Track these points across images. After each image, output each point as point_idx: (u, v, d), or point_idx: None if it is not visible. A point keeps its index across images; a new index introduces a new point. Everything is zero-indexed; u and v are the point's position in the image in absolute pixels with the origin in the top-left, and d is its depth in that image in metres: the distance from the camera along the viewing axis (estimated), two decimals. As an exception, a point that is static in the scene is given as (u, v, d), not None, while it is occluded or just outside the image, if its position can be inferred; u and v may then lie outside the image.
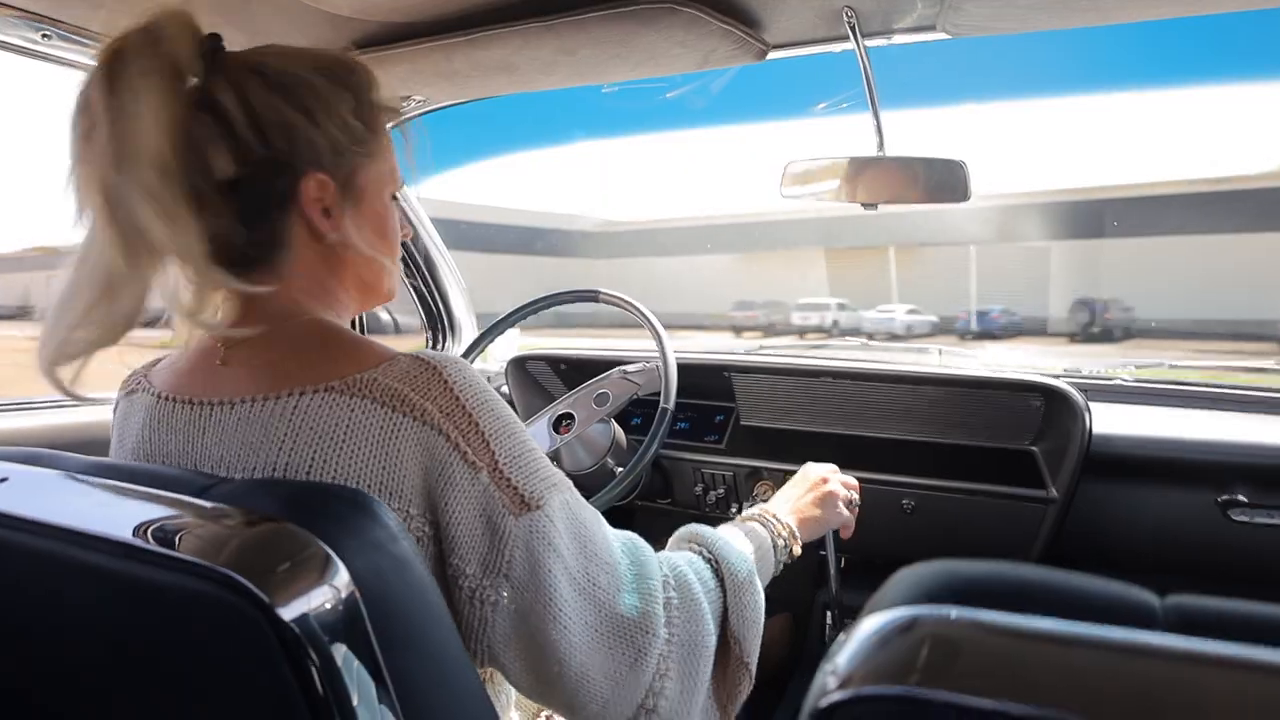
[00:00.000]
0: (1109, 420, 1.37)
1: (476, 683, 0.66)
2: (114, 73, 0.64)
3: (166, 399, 0.75)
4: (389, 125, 0.79)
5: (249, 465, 0.68)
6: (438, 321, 2.02)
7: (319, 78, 0.72)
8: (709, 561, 0.80)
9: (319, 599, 0.53)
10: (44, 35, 1.12)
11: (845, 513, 1.05)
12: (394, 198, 0.80)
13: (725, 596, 0.78)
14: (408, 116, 1.49)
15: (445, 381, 0.67)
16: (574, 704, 0.70)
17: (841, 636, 0.36)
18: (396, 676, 0.57)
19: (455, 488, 0.65)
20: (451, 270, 1.99)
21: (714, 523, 0.91)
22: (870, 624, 0.35)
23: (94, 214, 0.65)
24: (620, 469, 1.40)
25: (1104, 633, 0.32)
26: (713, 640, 0.75)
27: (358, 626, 0.55)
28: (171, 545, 0.56)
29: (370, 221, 0.77)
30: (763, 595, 0.81)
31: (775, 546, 0.91)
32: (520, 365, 1.83)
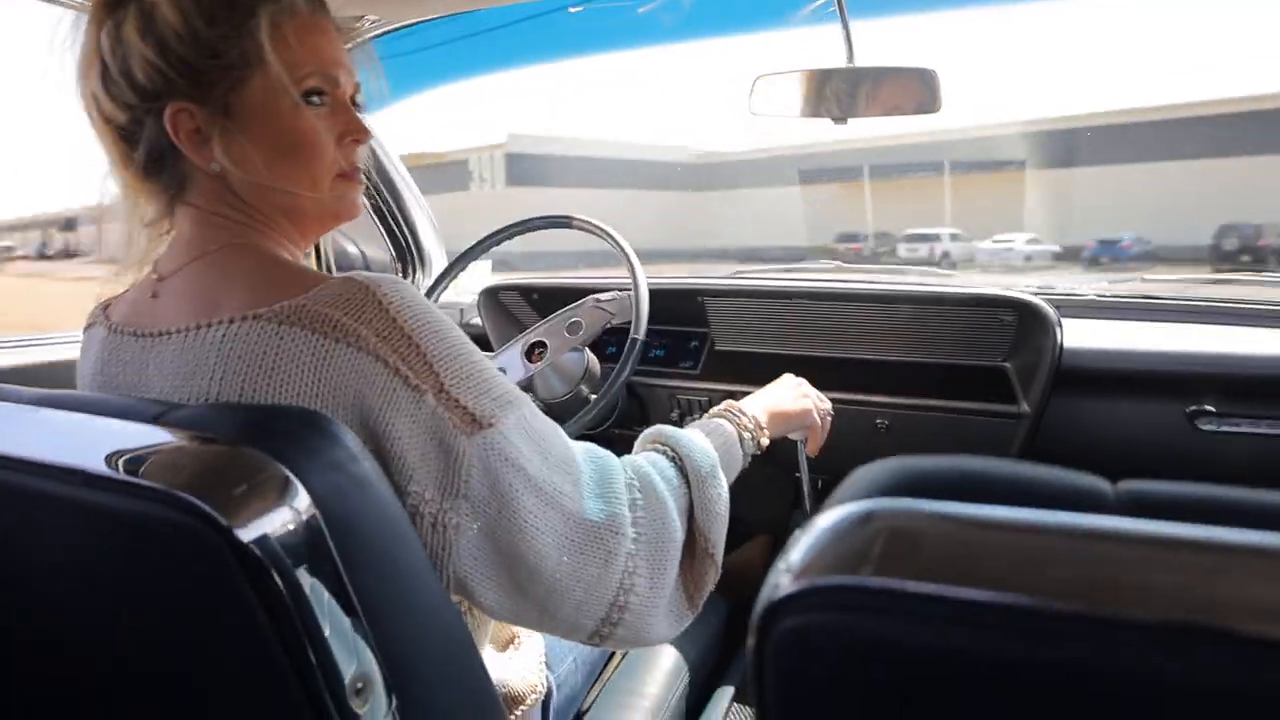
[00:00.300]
0: (1079, 335, 1.38)
1: (448, 606, 0.66)
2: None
3: (117, 331, 0.75)
4: (267, 18, 0.68)
5: (185, 396, 0.67)
6: (406, 254, 1.98)
7: None
8: (672, 459, 0.80)
9: (279, 520, 0.52)
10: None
11: (815, 415, 1.05)
12: (316, 95, 0.72)
13: (690, 491, 0.78)
14: (364, 37, 1.43)
15: (380, 303, 0.64)
16: (548, 610, 0.69)
17: (797, 533, 0.35)
18: (363, 600, 0.56)
19: (400, 413, 0.63)
20: (418, 200, 1.94)
21: None
22: (826, 519, 0.35)
23: None
24: (594, 396, 1.40)
25: (1058, 518, 0.32)
26: (679, 535, 0.75)
27: (320, 548, 0.54)
28: (127, 471, 0.55)
29: (264, 142, 0.70)
30: (727, 488, 0.81)
31: (742, 439, 0.91)
32: (493, 295, 1.80)
